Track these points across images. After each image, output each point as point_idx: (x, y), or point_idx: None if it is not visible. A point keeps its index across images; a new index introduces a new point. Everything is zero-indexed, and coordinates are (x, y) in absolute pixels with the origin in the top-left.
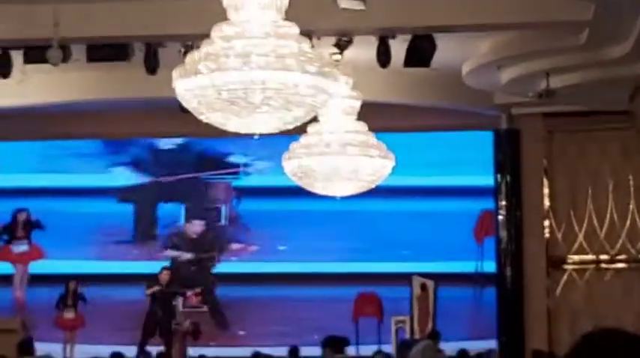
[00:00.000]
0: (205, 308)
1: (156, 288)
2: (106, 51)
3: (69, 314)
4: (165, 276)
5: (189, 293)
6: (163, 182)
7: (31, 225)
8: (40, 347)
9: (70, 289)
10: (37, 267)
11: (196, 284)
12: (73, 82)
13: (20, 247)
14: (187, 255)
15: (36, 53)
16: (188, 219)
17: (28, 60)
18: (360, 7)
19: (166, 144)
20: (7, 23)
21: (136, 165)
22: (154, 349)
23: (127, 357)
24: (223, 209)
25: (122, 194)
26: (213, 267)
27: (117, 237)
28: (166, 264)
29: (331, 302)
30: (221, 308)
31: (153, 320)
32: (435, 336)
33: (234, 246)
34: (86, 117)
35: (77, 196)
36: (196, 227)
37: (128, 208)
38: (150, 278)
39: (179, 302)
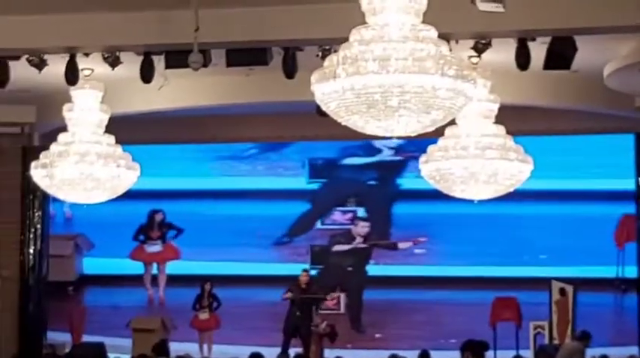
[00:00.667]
0: (342, 311)
1: (289, 295)
2: (245, 55)
3: (204, 315)
4: (304, 278)
5: (331, 295)
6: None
7: (167, 226)
8: (176, 347)
9: (206, 290)
10: (174, 267)
11: (344, 286)
12: (213, 86)
13: (155, 247)
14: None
15: (177, 58)
16: (355, 220)
17: (169, 65)
18: (499, 9)
19: (308, 146)
20: (149, 29)
21: (275, 168)
22: (292, 351)
23: None
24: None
25: (264, 196)
26: (364, 270)
27: (249, 238)
28: (307, 266)
29: (469, 306)
30: (359, 312)
31: (292, 323)
32: (585, 338)
33: (402, 244)
34: (225, 121)
35: (217, 199)
36: (362, 228)
37: (267, 210)
38: (290, 280)
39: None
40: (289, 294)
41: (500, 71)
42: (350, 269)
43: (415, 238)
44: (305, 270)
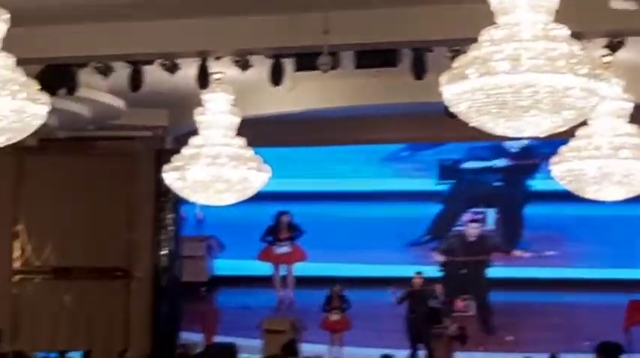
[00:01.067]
0: (472, 313)
1: (399, 295)
2: (375, 57)
3: (335, 317)
4: (417, 280)
5: (458, 300)
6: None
7: (294, 228)
8: (307, 349)
9: (335, 292)
10: (302, 269)
11: (465, 289)
12: (342, 88)
13: (283, 248)
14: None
15: (306, 61)
16: (467, 222)
17: (298, 67)
18: (633, 7)
19: (436, 148)
20: (279, 32)
21: (403, 169)
22: (421, 353)
23: None
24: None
25: (392, 197)
26: (485, 272)
27: (376, 239)
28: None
29: (602, 310)
30: (489, 314)
31: (410, 325)
32: None
33: (517, 252)
34: (353, 123)
35: (345, 200)
36: (473, 229)
37: (395, 212)
38: (402, 282)
39: (439, 305)
40: (398, 296)
41: (634, 69)
42: (464, 271)
43: (539, 251)
44: (418, 273)
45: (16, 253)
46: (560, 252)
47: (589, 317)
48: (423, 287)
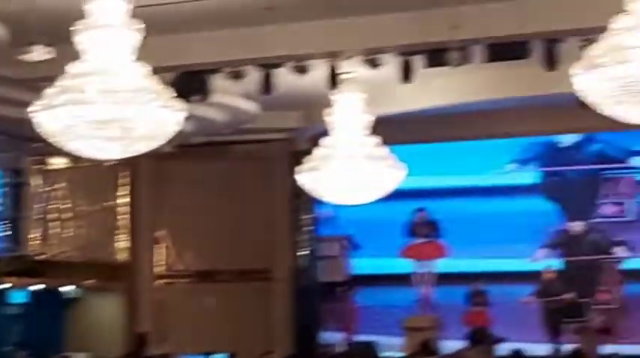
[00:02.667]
0: (615, 305)
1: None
2: (506, 50)
3: (476, 311)
4: (548, 275)
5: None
6: (561, 179)
7: (432, 225)
8: (448, 346)
9: (474, 288)
10: (442, 265)
11: (583, 285)
12: (473, 83)
13: (423, 245)
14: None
15: (436, 56)
16: (570, 219)
17: (428, 64)
18: None
19: (564, 141)
20: (408, 29)
21: (535, 163)
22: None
23: (526, 354)
24: (629, 204)
25: (526, 192)
26: (598, 268)
27: (515, 234)
28: (551, 263)
29: None
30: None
31: (548, 319)
32: None
33: (616, 249)
34: (486, 118)
35: (482, 195)
36: (576, 227)
37: (531, 206)
38: (535, 277)
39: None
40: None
41: None
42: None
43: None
44: (549, 267)
45: (159, 258)
46: None
47: None
48: (555, 282)
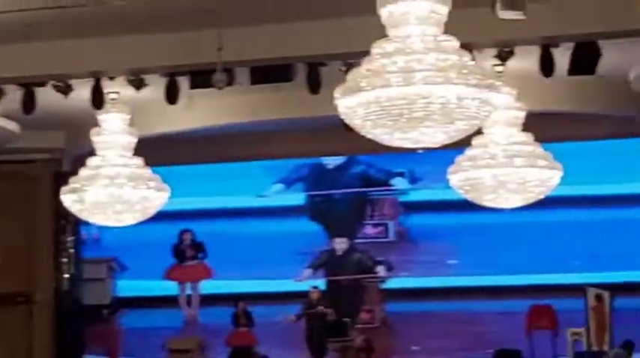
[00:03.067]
0: (377, 324)
1: (293, 317)
2: (270, 73)
3: (240, 333)
4: (314, 295)
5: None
6: (326, 200)
7: (198, 246)
8: None
9: (240, 309)
10: (206, 287)
11: (349, 302)
12: (238, 104)
13: (188, 267)
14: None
15: (201, 78)
16: (334, 237)
17: (193, 85)
18: (520, 16)
19: (331, 162)
20: (172, 50)
21: (301, 184)
22: None
23: None
24: (390, 225)
25: (291, 213)
26: (361, 287)
27: (280, 255)
28: (316, 283)
29: (504, 316)
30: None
31: (311, 339)
32: (628, 346)
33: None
34: (252, 140)
35: (247, 217)
36: (341, 247)
37: (295, 227)
38: (301, 297)
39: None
40: (291, 317)
41: (525, 78)
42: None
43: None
44: (314, 287)
45: None
46: (460, 260)
47: (492, 324)
48: (320, 301)
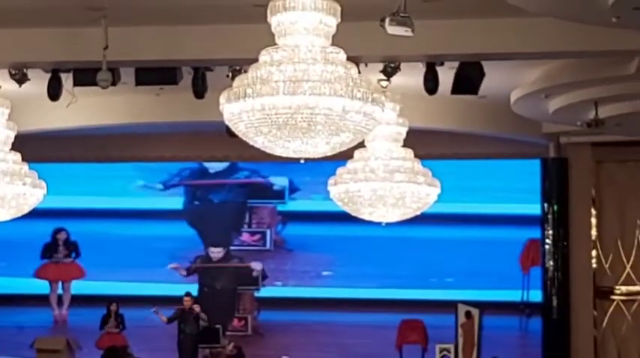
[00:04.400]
0: (249, 332)
1: (164, 317)
2: (154, 74)
3: (110, 335)
4: (187, 301)
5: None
6: (205, 205)
7: (72, 245)
8: None
9: (112, 311)
10: (78, 287)
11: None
12: (122, 105)
13: (60, 266)
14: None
15: (85, 76)
16: (209, 245)
17: (77, 82)
18: (408, 33)
19: (212, 167)
20: (57, 46)
21: (181, 188)
22: None
23: None
24: (268, 233)
25: (168, 216)
26: (235, 295)
27: (154, 258)
28: (188, 289)
29: (375, 329)
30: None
31: (182, 345)
32: None
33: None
34: (133, 141)
35: (123, 218)
36: (216, 253)
37: (171, 230)
38: (174, 301)
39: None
40: (163, 317)
41: (409, 95)
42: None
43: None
44: (187, 293)
45: None
46: (334, 272)
47: (363, 337)
48: (193, 307)
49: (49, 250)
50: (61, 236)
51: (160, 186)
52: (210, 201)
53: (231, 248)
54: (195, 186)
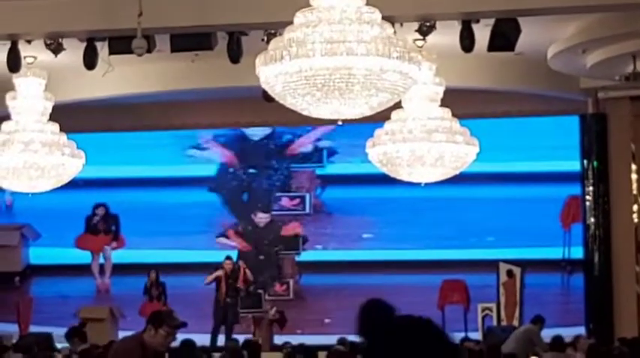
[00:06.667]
0: (291, 296)
1: (211, 279)
2: (190, 40)
3: (153, 303)
4: (228, 266)
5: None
6: (245, 172)
7: (111, 219)
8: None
9: (152, 278)
10: (119, 256)
11: (263, 273)
12: (157, 72)
13: (100, 236)
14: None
15: (120, 44)
16: (255, 210)
17: (112, 51)
18: None
19: (249, 133)
20: (92, 14)
21: (220, 155)
22: (241, 337)
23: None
24: (307, 197)
25: (206, 184)
26: (279, 258)
27: (193, 226)
28: (230, 253)
29: (417, 290)
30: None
31: (217, 308)
32: (539, 321)
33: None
34: (170, 108)
35: (161, 186)
36: (263, 219)
37: (210, 198)
38: (215, 267)
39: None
40: (211, 277)
41: (445, 54)
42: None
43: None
44: (228, 257)
45: None
46: (375, 234)
47: (404, 298)
48: (234, 272)
49: (91, 220)
50: (101, 211)
51: (197, 156)
52: (249, 167)
53: (272, 213)
54: (234, 153)
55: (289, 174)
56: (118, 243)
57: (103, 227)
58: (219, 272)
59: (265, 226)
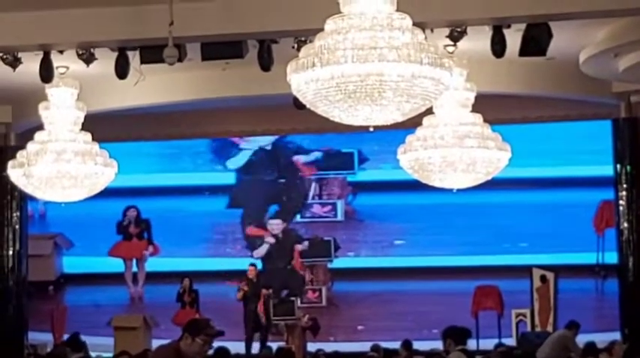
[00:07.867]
0: (324, 303)
1: (240, 293)
2: (221, 49)
3: (186, 311)
4: (252, 272)
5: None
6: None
7: (142, 223)
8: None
9: (185, 286)
10: (152, 264)
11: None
12: (189, 81)
13: (133, 244)
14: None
15: (152, 53)
16: (282, 217)
17: (144, 60)
18: None
19: (281, 140)
20: (123, 24)
21: (251, 163)
22: (274, 344)
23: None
24: (339, 204)
25: (235, 192)
26: (308, 266)
27: (225, 234)
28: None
29: (450, 296)
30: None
31: (249, 317)
32: (574, 326)
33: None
34: (201, 117)
35: (193, 195)
36: (276, 226)
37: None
38: (240, 275)
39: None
40: (240, 293)
41: (477, 59)
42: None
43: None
44: (252, 264)
45: None
46: (407, 241)
47: (438, 305)
48: (257, 278)
49: (121, 228)
50: (133, 214)
51: (228, 164)
52: (278, 174)
53: (304, 220)
54: (262, 160)
55: (320, 181)
56: (154, 249)
57: (135, 231)
58: (245, 287)
59: (290, 233)
